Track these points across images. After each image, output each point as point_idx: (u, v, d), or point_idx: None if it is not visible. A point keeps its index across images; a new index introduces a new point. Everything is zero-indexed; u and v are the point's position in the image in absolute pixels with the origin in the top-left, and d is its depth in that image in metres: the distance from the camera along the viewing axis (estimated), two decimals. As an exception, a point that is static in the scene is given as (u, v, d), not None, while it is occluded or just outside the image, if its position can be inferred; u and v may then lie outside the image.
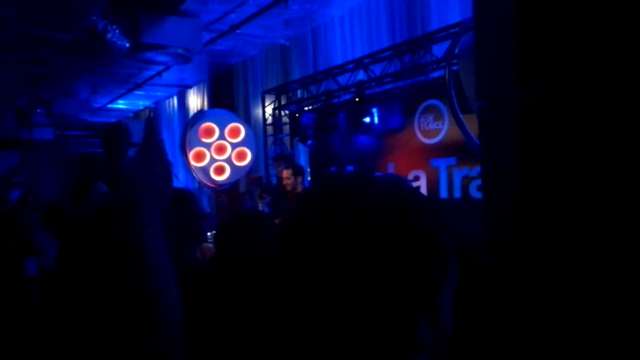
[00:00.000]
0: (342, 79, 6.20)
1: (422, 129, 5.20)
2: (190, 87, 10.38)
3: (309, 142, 6.60)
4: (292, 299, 0.55)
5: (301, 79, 6.94)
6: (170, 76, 9.04)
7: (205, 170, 6.29)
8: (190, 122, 6.48)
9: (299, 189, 5.08)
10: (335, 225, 0.53)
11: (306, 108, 6.77)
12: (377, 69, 5.76)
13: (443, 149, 4.96)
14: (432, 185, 5.06)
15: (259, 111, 8.01)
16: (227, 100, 8.83)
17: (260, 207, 6.24)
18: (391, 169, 5.55)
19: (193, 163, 6.24)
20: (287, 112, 7.29)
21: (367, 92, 5.74)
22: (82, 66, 8.15)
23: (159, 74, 8.73)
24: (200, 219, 2.05)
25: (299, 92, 7.14)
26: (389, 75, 5.52)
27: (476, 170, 4.49)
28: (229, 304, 1.57)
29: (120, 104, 11.65)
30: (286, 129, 7.32)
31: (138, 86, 9.77)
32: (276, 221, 2.21)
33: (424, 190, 5.15)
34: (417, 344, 0.52)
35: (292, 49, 7.47)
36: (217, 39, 6.97)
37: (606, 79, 1.20)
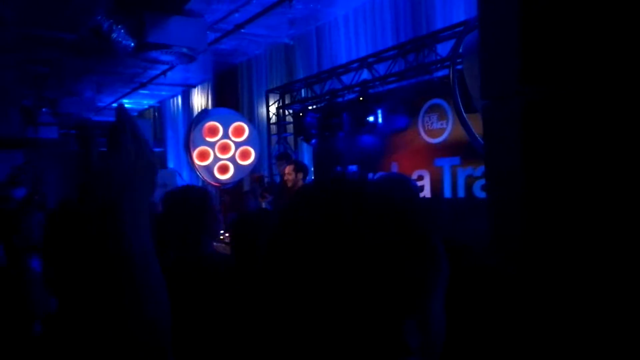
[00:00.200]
0: (346, 78, 6.20)
1: (426, 128, 5.19)
2: (194, 86, 10.40)
3: (313, 141, 6.60)
4: (281, 297, 0.55)
5: (305, 78, 6.94)
6: (175, 75, 9.06)
7: (209, 169, 6.31)
8: (194, 121, 6.50)
9: (300, 185, 5.08)
10: (332, 223, 0.53)
11: (310, 107, 6.77)
12: (381, 68, 5.76)
13: (447, 149, 4.95)
14: (436, 184, 5.05)
15: (263, 110, 8.02)
16: (231, 100, 8.85)
17: (263, 206, 6.24)
18: (395, 168, 5.54)
19: (197, 162, 6.26)
20: (291, 111, 7.30)
21: (371, 91, 5.73)
22: (87, 66, 8.18)
23: (164, 73, 8.75)
24: (217, 215, 2.09)
25: (303, 91, 7.14)
26: (393, 74, 5.51)
27: (480, 169, 4.48)
28: (247, 299, 1.58)
29: (125, 103, 11.67)
30: (290, 128, 7.32)
31: (143, 85, 9.80)
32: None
33: (428, 190, 5.15)
34: (405, 347, 0.52)
35: (296, 49, 7.47)
36: (222, 38, 6.98)
37: (610, 78, 1.19)
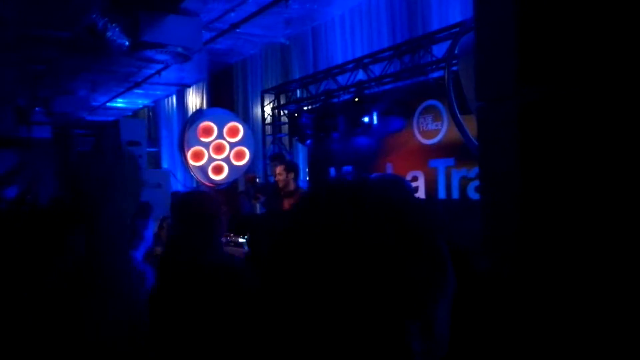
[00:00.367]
0: (342, 79, 6.19)
1: (421, 129, 5.19)
2: (189, 86, 10.37)
3: (308, 141, 6.59)
4: (285, 300, 0.55)
5: (301, 79, 6.93)
6: (170, 75, 9.02)
7: (203, 169, 6.29)
8: (189, 121, 6.48)
9: (291, 186, 5.07)
10: (335, 229, 0.53)
11: (305, 108, 6.76)
12: (376, 69, 5.75)
13: (442, 150, 4.95)
14: (431, 185, 5.05)
15: (258, 110, 8.00)
16: (226, 100, 8.82)
17: (257, 206, 6.23)
18: (390, 169, 5.54)
19: (191, 162, 6.23)
20: (286, 111, 7.28)
21: (366, 92, 5.73)
22: (82, 64, 8.13)
23: (158, 72, 8.71)
24: (222, 217, 2.16)
25: (298, 91, 7.13)
26: (389, 75, 5.51)
27: (474, 171, 4.48)
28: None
29: (119, 103, 11.63)
30: (285, 128, 7.31)
31: (137, 85, 9.76)
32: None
33: (422, 191, 5.15)
34: (408, 351, 0.51)
35: (292, 49, 7.46)
36: (217, 37, 6.95)
37: (606, 79, 1.19)
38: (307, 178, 6.86)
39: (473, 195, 4.59)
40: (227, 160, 6.45)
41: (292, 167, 5.17)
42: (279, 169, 5.14)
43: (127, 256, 0.72)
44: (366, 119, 5.47)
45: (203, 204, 2.10)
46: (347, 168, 6.10)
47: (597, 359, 1.17)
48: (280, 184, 5.08)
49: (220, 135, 6.39)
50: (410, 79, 5.35)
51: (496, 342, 1.27)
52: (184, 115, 10.29)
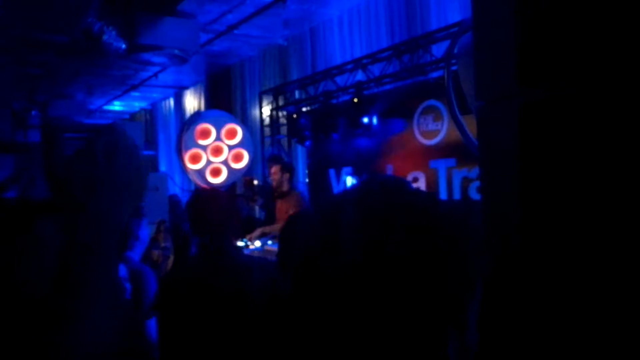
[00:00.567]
0: (341, 80, 6.15)
1: (422, 129, 5.15)
2: (187, 88, 10.34)
3: (307, 143, 6.56)
4: (322, 303, 0.53)
5: (299, 80, 6.90)
6: (167, 77, 8.99)
7: (201, 172, 6.23)
8: (186, 124, 6.43)
9: (285, 186, 5.05)
10: (374, 238, 0.53)
11: (304, 109, 6.72)
12: (376, 70, 5.72)
13: (442, 150, 4.91)
14: (432, 186, 5.01)
15: (256, 112, 7.96)
16: (224, 101, 8.79)
17: (256, 209, 6.19)
18: (390, 170, 5.50)
19: (189, 165, 6.18)
20: (284, 113, 7.25)
21: (365, 92, 5.69)
22: (78, 67, 8.10)
23: (155, 75, 8.69)
24: (238, 217, 2.28)
25: (297, 92, 7.09)
26: (388, 75, 5.48)
27: (475, 171, 4.44)
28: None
29: (116, 106, 11.61)
30: (284, 130, 7.27)
31: (134, 87, 9.73)
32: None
33: (423, 192, 5.10)
34: (445, 359, 0.51)
35: (290, 50, 7.43)
36: (214, 39, 6.92)
37: (608, 79, 1.16)
38: (307, 180, 6.82)
39: (475, 196, 4.54)
40: (225, 163, 6.39)
41: (287, 168, 5.17)
42: (275, 169, 5.13)
43: (110, 257, 0.69)
44: (365, 120, 5.43)
45: (217, 200, 2.18)
46: (347, 169, 6.06)
47: (599, 359, 1.14)
48: (274, 184, 5.07)
49: (218, 138, 6.33)
50: (409, 79, 5.32)
51: (496, 342, 1.24)
52: (182, 117, 10.27)
